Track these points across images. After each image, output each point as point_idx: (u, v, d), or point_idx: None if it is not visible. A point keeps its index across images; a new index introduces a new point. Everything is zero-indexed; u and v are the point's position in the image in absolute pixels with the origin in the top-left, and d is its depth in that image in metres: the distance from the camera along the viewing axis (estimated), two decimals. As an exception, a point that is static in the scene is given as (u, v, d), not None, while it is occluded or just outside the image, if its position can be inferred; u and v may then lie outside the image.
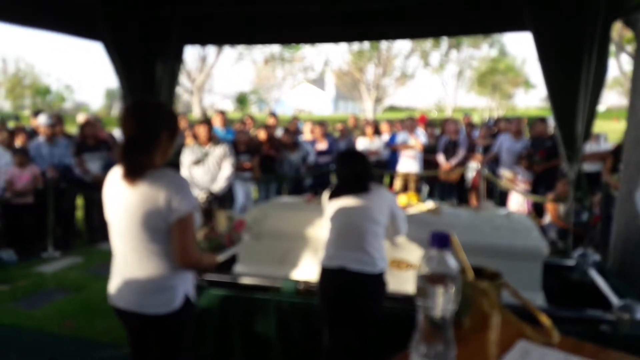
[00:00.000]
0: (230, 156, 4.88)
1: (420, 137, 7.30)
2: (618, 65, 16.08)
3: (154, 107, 1.88)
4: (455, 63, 24.62)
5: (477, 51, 22.05)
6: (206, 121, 4.91)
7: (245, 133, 6.89)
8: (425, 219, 2.92)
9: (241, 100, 38.07)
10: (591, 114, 3.27)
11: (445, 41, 19.08)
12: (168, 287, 1.79)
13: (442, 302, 0.83)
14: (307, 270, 2.99)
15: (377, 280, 2.36)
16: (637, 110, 3.67)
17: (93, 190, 5.45)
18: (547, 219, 5.66)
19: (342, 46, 22.19)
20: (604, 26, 3.04)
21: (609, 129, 12.73)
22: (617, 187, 4.06)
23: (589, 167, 5.84)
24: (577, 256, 3.21)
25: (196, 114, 18.98)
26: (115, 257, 1.87)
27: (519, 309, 1.16)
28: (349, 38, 4.63)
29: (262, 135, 7.00)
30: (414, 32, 4.46)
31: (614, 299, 2.54)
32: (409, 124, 7.40)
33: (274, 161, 6.86)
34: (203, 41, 6.10)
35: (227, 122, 7.44)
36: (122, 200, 1.77)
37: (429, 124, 8.14)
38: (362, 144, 7.68)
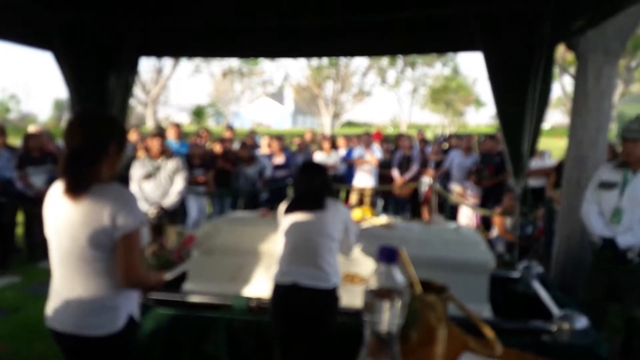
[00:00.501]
0: (183, 170, 4.77)
1: (375, 153, 7.42)
2: (561, 86, 17.06)
3: (101, 118, 1.81)
4: (410, 81, 25.35)
5: (431, 70, 22.80)
6: (159, 134, 4.79)
7: (200, 146, 6.77)
8: (379, 233, 2.95)
9: (198, 113, 37.52)
10: (536, 132, 3.43)
11: (400, 59, 19.63)
12: (110, 307, 1.70)
13: (389, 317, 0.83)
14: (260, 286, 2.94)
15: (330, 295, 2.35)
16: (578, 130, 3.89)
17: (35, 205, 5.16)
18: (495, 232, 5.86)
19: (301, 61, 22.39)
20: (549, 48, 3.22)
21: (553, 146, 13.41)
22: (560, 202, 4.26)
23: (533, 182, 6.12)
24: (522, 268, 3.32)
25: (150, 126, 18.51)
26: (54, 276, 1.76)
27: (464, 321, 1.18)
28: (307, 54, 4.67)
29: (217, 148, 6.90)
30: (371, 49, 4.56)
31: (555, 310, 2.64)
32: (365, 139, 7.52)
33: (229, 175, 6.77)
34: (159, 53, 5.97)
35: (182, 135, 7.29)
36: (64, 216, 1.68)
37: (384, 139, 8.30)
38: (319, 158, 7.73)
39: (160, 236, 4.06)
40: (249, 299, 2.74)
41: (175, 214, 4.72)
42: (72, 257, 1.68)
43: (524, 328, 2.46)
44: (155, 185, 4.63)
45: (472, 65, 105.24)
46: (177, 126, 7.17)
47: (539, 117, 3.37)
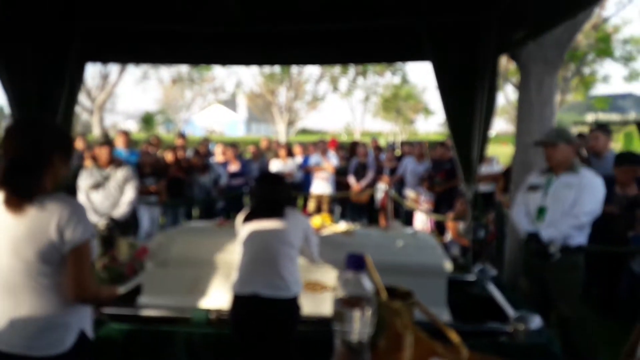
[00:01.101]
0: (134, 179, 4.59)
1: (332, 160, 7.47)
2: (504, 95, 17.90)
3: (44, 125, 1.70)
4: (362, 89, 25.79)
5: (382, 78, 23.28)
6: (107, 142, 4.59)
7: (151, 155, 6.55)
8: (340, 240, 2.96)
9: (147, 121, 36.42)
10: (484, 139, 3.57)
11: (352, 68, 19.93)
12: (60, 324, 1.60)
13: (359, 326, 0.82)
14: (219, 298, 2.87)
15: (291, 305, 2.33)
16: (523, 136, 4.08)
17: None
18: (449, 236, 6.03)
19: (254, 68, 22.25)
20: (493, 59, 3.37)
21: (499, 153, 14.00)
22: (509, 206, 4.44)
23: (483, 187, 6.35)
24: (477, 271, 3.43)
25: (96, 134, 17.79)
26: (-2, 294, 1.64)
27: (427, 325, 1.20)
28: (259, 61, 4.65)
29: (169, 156, 6.70)
30: (323, 58, 4.60)
31: (510, 311, 2.74)
32: (321, 146, 7.56)
33: (182, 184, 6.59)
34: (105, 58, 5.76)
35: (131, 143, 7.03)
36: (5, 229, 1.56)
37: (339, 147, 8.37)
38: (276, 166, 7.68)
39: (111, 248, 3.87)
40: (208, 311, 2.66)
41: (126, 225, 4.53)
42: (16, 274, 1.57)
43: (481, 330, 2.53)
44: (104, 195, 4.43)
45: (420, 75, 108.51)
46: (126, 134, 6.91)
47: (487, 124, 3.51)
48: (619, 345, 1.75)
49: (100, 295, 1.69)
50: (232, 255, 2.80)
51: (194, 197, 6.65)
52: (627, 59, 10.52)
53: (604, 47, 10.35)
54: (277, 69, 19.87)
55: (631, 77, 10.22)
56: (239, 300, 2.31)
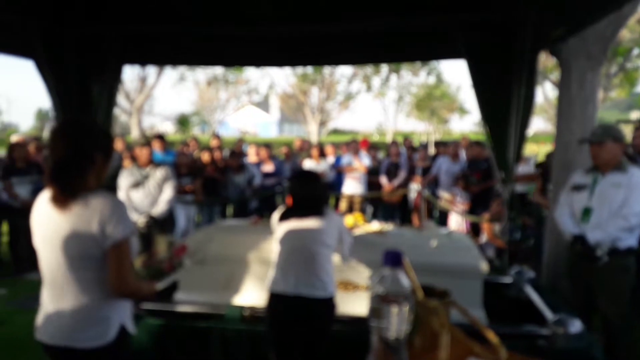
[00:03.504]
0: (172, 179, 4.71)
1: (363, 160, 7.44)
2: (543, 93, 17.37)
3: (87, 127, 1.77)
4: (395, 88, 25.55)
5: (416, 78, 23.01)
6: (148, 143, 4.74)
7: (187, 155, 6.71)
8: (372, 240, 2.95)
9: (182, 122, 37.25)
10: (521, 138, 3.47)
11: (385, 67, 19.79)
12: (102, 318, 1.66)
13: (397, 322, 0.82)
14: (253, 295, 2.91)
15: (328, 304, 2.33)
16: (564, 134, 3.95)
17: (20, 216, 5.04)
18: (484, 238, 5.90)
19: (287, 69, 22.43)
20: (532, 55, 3.27)
21: (537, 152, 13.61)
22: (548, 207, 4.31)
23: (518, 187, 6.19)
24: (514, 273, 3.34)
25: (135, 135, 18.32)
26: (44, 287, 1.72)
27: (464, 326, 1.18)
28: (292, 62, 4.68)
29: (205, 157, 6.85)
30: (356, 58, 4.59)
31: (549, 314, 2.66)
32: (353, 146, 7.54)
33: (217, 184, 6.72)
34: (143, 61, 5.95)
35: (166, 145, 7.23)
36: (52, 225, 1.64)
37: (371, 147, 8.34)
38: (309, 166, 7.72)
39: (150, 246, 3.99)
40: (242, 308, 2.70)
41: (164, 223, 4.66)
42: (61, 268, 1.64)
43: (518, 333, 2.47)
44: (144, 194, 4.56)
45: (455, 73, 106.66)
46: (161, 138, 7.11)
47: (524, 123, 3.41)
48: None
49: (140, 290, 1.75)
50: (266, 254, 2.84)
51: (229, 197, 6.77)
52: (675, 54, 10.05)
53: (649, 42, 9.92)
54: (309, 69, 19.96)
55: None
56: (276, 299, 2.33)
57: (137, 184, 4.58)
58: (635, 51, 10.71)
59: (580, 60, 3.86)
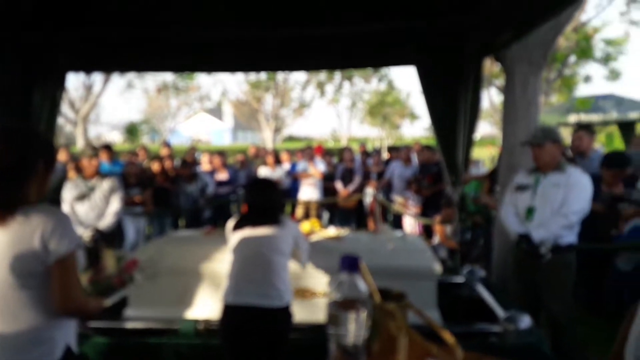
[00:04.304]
0: (119, 190, 4.53)
1: (319, 166, 7.47)
2: (488, 98, 18.10)
3: (27, 134, 1.66)
4: (349, 95, 25.88)
5: (368, 85, 23.41)
6: (96, 154, 4.53)
7: (136, 165, 6.48)
8: (329, 246, 2.94)
9: (131, 131, 36.09)
10: (469, 142, 3.59)
11: (338, 74, 20.01)
12: (45, 339, 1.56)
13: (355, 329, 0.81)
14: (208, 308, 2.83)
15: (285, 313, 2.30)
16: (509, 138, 4.11)
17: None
18: (436, 239, 6.05)
19: (239, 76, 22.22)
20: (477, 62, 3.40)
21: (484, 155, 14.13)
22: (495, 207, 4.47)
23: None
24: (466, 273, 3.43)
25: (80, 146, 17.54)
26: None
27: (421, 327, 1.19)
28: (244, 68, 4.64)
29: (155, 166, 6.64)
30: (308, 64, 4.61)
31: (500, 312, 2.74)
32: (308, 153, 7.56)
33: (169, 194, 6.52)
34: (88, 68, 5.70)
35: (113, 155, 6.96)
36: (-13, 242, 1.52)
37: (326, 152, 8.39)
38: (264, 173, 7.66)
39: (98, 261, 3.80)
40: (196, 321, 2.62)
41: (112, 237, 4.46)
42: (1, 287, 1.53)
43: (471, 331, 2.53)
44: (89, 206, 4.36)
45: (406, 80, 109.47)
46: (109, 148, 6.84)
47: (471, 127, 3.54)
48: (607, 344, 1.76)
49: (86, 308, 1.65)
50: (220, 264, 2.77)
51: (181, 207, 6.59)
52: (607, 60, 10.76)
53: (584, 48, 10.57)
54: (262, 76, 19.86)
55: (612, 76, 10.48)
56: (230, 310, 2.28)
57: (82, 196, 4.37)
58: (572, 58, 11.38)
59: (523, 66, 4.05)
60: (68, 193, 4.37)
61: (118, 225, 4.87)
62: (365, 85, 22.80)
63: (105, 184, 4.45)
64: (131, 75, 19.67)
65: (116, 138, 38.03)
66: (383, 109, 31.05)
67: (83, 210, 4.35)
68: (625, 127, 9.57)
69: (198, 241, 3.16)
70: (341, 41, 3.58)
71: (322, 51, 3.74)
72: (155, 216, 6.33)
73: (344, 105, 31.62)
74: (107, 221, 4.37)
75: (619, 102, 9.48)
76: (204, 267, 2.89)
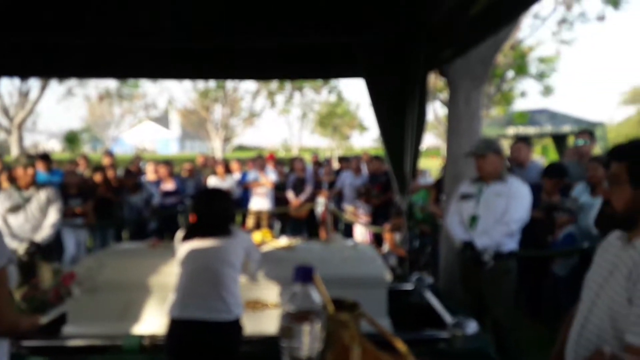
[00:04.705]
0: (57, 200, 4.29)
1: (270, 175, 7.42)
2: (433, 111, 18.74)
3: None
4: (299, 106, 25.97)
5: (318, 96, 23.61)
6: (31, 164, 4.26)
7: (77, 174, 6.17)
8: (281, 256, 2.91)
9: (71, 140, 34.38)
10: (416, 152, 3.69)
11: (289, 84, 20.05)
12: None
13: (309, 341, 0.80)
14: (153, 323, 2.71)
15: (234, 327, 2.24)
16: (453, 149, 4.26)
17: None
18: (386, 247, 6.15)
19: (186, 84, 21.74)
20: (423, 76, 3.51)
21: (430, 166, 14.58)
22: (441, 216, 4.61)
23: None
24: (414, 280, 3.50)
25: (15, 154, 16.47)
26: None
27: (373, 336, 1.19)
28: (191, 75, 4.55)
29: (97, 176, 6.34)
30: (257, 73, 4.59)
31: (448, 318, 2.82)
32: (260, 162, 7.50)
33: (111, 204, 6.25)
34: (23, 73, 5.39)
35: (51, 165, 6.57)
36: None
37: (277, 162, 8.36)
38: (213, 183, 7.51)
39: (33, 275, 3.57)
40: (141, 337, 2.50)
41: (49, 250, 4.21)
42: None
43: (421, 338, 2.58)
44: (24, 218, 4.09)
45: (355, 91, 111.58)
46: (46, 157, 6.46)
47: (418, 138, 3.64)
48: (547, 345, 1.84)
49: (19, 326, 1.55)
50: (167, 278, 2.67)
51: (124, 218, 6.32)
52: (541, 76, 11.47)
53: (520, 65, 11.21)
54: (211, 84, 19.55)
55: (546, 92, 11.20)
56: (177, 325, 2.19)
57: (16, 208, 4.10)
58: (510, 74, 12.02)
59: (466, 80, 4.23)
60: (0, 204, 4.09)
61: (57, 237, 4.60)
62: (315, 96, 22.96)
63: (42, 195, 4.20)
64: (72, 82, 18.75)
65: (55, 147, 36.11)
66: (333, 119, 31.43)
67: (17, 222, 4.08)
68: (559, 140, 10.21)
69: (142, 253, 3.05)
70: (291, 52, 3.60)
71: (272, 61, 3.74)
72: (97, 228, 6.04)
73: (295, 115, 31.71)
74: (44, 233, 4.12)
75: (553, 116, 10.10)
76: (149, 281, 2.78)
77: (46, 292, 2.85)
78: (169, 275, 2.64)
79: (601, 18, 10.01)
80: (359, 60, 3.47)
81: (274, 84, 19.30)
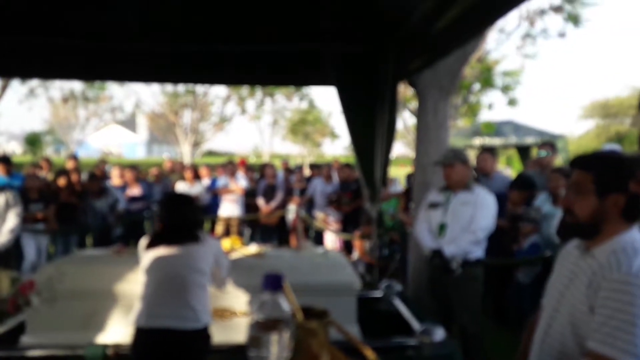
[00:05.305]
0: (17, 205, 4.13)
1: (240, 182, 7.36)
2: (402, 120, 19.03)
3: None
4: (270, 112, 25.89)
5: (290, 103, 23.62)
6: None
7: (38, 178, 5.95)
8: (250, 263, 2.89)
9: (32, 142, 33.19)
10: (387, 160, 3.74)
11: (260, 90, 19.98)
12: None
13: (277, 350, 0.79)
14: (117, 332, 2.64)
15: (201, 336, 2.20)
16: (422, 158, 4.34)
17: None
18: (356, 255, 6.18)
19: (154, 88, 21.36)
20: (393, 85, 3.57)
21: (399, 174, 14.78)
22: (411, 224, 4.68)
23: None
24: (383, 287, 3.53)
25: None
26: None
27: (341, 343, 1.20)
28: (159, 78, 4.49)
29: (60, 180, 6.14)
30: (227, 78, 4.57)
31: (416, 325, 2.85)
32: (230, 168, 7.43)
33: (75, 210, 6.05)
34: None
35: (11, 168, 6.33)
36: None
37: (248, 168, 8.30)
38: (182, 188, 7.38)
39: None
40: (105, 346, 2.42)
41: (7, 257, 4.05)
42: None
43: (390, 345, 2.59)
44: (-20, 224, 3.92)
45: (327, 100, 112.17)
46: (6, 159, 6.22)
47: (388, 147, 3.70)
48: (511, 351, 1.89)
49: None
50: (132, 285, 2.61)
51: (88, 224, 6.14)
52: (506, 89, 11.84)
53: (487, 78, 11.53)
54: (180, 88, 19.28)
55: (510, 103, 11.57)
56: (143, 334, 2.14)
57: (-29, 213, 3.92)
58: (476, 86, 12.35)
59: (434, 91, 4.32)
60: (-46, 209, 3.91)
61: (16, 243, 4.42)
62: (287, 103, 22.96)
63: (0, 199, 4.03)
64: (33, 83, 18.12)
65: (15, 149, 34.78)
66: (304, 127, 31.48)
67: (-28, 228, 3.91)
68: (523, 151, 10.55)
69: (106, 261, 2.96)
70: (262, 58, 3.60)
71: (242, 67, 3.72)
72: (59, 234, 5.84)
73: (266, 121, 31.59)
74: (2, 239, 3.97)
75: (517, 127, 10.44)
76: (113, 289, 2.71)
77: (3, 301, 2.74)
78: (134, 283, 2.57)
79: (562, 35, 10.42)
80: (330, 69, 3.50)
81: (244, 90, 19.19)
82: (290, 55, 3.58)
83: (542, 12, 10.12)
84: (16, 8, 2.79)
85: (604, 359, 1.25)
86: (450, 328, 3.22)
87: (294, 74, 3.99)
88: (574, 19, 9.62)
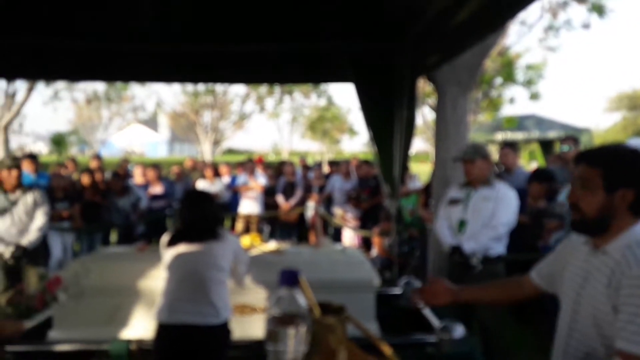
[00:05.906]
0: (44, 204, 4.25)
1: (259, 179, 7.42)
2: (422, 116, 18.85)
3: None
4: (289, 110, 25.99)
5: (308, 100, 23.65)
6: (17, 165, 4.22)
7: (64, 177, 6.11)
8: (269, 260, 2.91)
9: (58, 142, 33.99)
10: (405, 157, 3.72)
11: (278, 88, 20.06)
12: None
13: (294, 345, 0.81)
14: (141, 328, 2.70)
15: (221, 331, 2.24)
16: (441, 153, 4.31)
17: None
18: (375, 251, 6.17)
19: (175, 87, 21.64)
20: (411, 81, 3.54)
21: (419, 170, 14.67)
22: (431, 220, 4.65)
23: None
24: (403, 284, 3.52)
25: (0, 157, 16.26)
26: None
27: (360, 339, 1.20)
28: (180, 79, 4.55)
29: (85, 179, 6.29)
30: (247, 77, 4.60)
31: (435, 322, 2.83)
32: (249, 166, 7.49)
33: (99, 208, 6.19)
34: (10, 75, 5.34)
35: (38, 166, 6.50)
36: None
37: (267, 166, 8.35)
38: (202, 186, 7.48)
39: (19, 280, 3.53)
40: (128, 342, 2.48)
41: (35, 254, 4.16)
42: None
43: (409, 342, 2.59)
44: (10, 221, 4.05)
45: (346, 96, 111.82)
46: (33, 158, 6.39)
47: (407, 143, 3.67)
48: (533, 348, 1.87)
49: (3, 330, 1.53)
50: (154, 282, 2.66)
51: (112, 222, 6.27)
52: (528, 83, 11.63)
53: (508, 72, 11.35)
54: (200, 88, 19.49)
55: (532, 97, 11.36)
56: (165, 329, 2.19)
57: (2, 211, 4.05)
58: (498, 80, 12.16)
59: (452, 86, 4.27)
60: (-15, 208, 4.04)
61: (43, 241, 4.55)
62: (305, 100, 22.99)
63: (28, 198, 4.15)
64: (59, 85, 18.56)
65: (42, 149, 35.72)
66: (323, 124, 31.46)
67: (3, 225, 4.04)
68: (545, 145, 10.35)
69: (129, 258, 3.03)
70: (281, 57, 3.61)
71: (262, 65, 3.74)
72: (84, 232, 5.98)
73: (285, 119, 31.72)
74: (30, 237, 4.08)
75: (540, 121, 10.24)
76: (136, 285, 2.77)
77: (31, 297, 2.83)
78: (156, 279, 2.63)
79: (586, 26, 10.17)
80: (348, 65, 3.50)
81: (263, 88, 19.29)
82: (308, 52, 3.58)
83: (565, 3, 9.89)
84: (41, 13, 2.86)
85: (635, 357, 1.22)
86: (470, 325, 3.20)
87: (312, 71, 3.99)
88: (599, 10, 9.38)
